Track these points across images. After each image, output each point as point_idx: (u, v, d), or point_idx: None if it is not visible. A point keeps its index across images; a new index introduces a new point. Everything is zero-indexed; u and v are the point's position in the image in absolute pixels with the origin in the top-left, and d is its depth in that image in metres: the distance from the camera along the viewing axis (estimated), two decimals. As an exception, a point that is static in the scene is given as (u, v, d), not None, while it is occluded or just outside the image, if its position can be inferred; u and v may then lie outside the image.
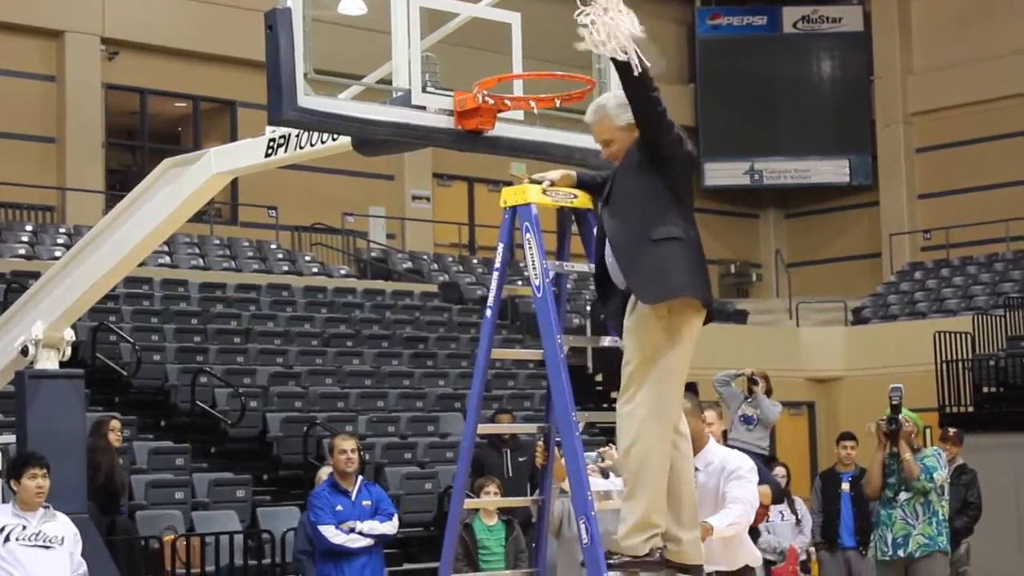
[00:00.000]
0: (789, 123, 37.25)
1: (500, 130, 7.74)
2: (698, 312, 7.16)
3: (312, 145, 8.76)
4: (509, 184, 7.79)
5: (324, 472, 13.56)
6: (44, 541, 10.15)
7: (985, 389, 26.31)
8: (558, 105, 7.81)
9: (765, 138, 37.28)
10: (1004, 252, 33.96)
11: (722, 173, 37.49)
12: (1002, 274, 32.89)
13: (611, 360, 7.80)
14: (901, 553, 12.13)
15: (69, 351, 11.35)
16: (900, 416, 12.27)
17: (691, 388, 11.24)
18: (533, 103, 7.77)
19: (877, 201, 37.27)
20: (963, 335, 27.33)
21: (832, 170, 37.63)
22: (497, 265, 7.94)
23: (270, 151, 9.05)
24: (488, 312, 7.97)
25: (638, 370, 7.12)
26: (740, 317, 33.04)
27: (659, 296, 7.02)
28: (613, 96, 7.40)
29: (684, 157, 7.20)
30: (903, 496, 12.18)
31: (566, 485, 8.25)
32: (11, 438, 11.28)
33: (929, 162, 36.70)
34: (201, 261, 25.84)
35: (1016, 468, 21.67)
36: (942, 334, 26.84)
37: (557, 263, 7.83)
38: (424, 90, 7.61)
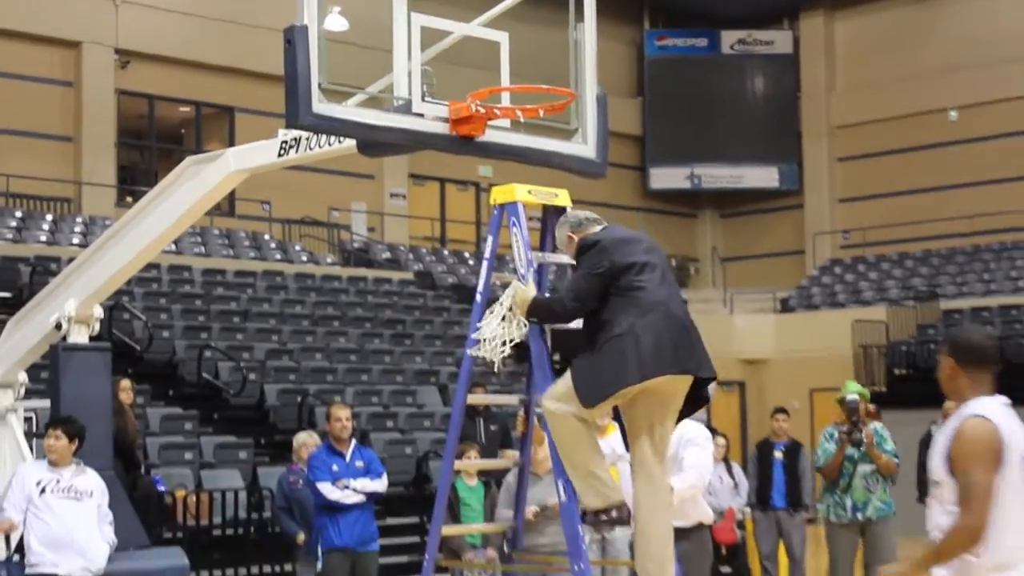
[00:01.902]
0: (726, 133, 37.33)
1: (489, 136, 7.77)
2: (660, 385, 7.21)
3: (320, 147, 8.79)
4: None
5: (300, 437, 13.66)
6: (75, 494, 10.17)
7: (897, 371, 26.60)
8: (541, 115, 7.86)
9: (704, 146, 37.44)
10: (914, 251, 34.25)
11: (665, 177, 37.71)
12: (912, 270, 33.16)
13: (569, 342, 7.90)
14: (860, 517, 12.21)
15: (98, 326, 11.36)
16: (859, 424, 12.29)
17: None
18: (519, 113, 7.81)
19: (802, 204, 37.51)
20: (878, 324, 27.62)
21: (763, 176, 37.80)
22: (487, 255, 8.04)
23: (283, 152, 9.07)
24: (478, 297, 8.04)
25: None
26: (681, 305, 33.18)
27: (591, 401, 7.21)
28: (571, 212, 7.86)
29: (607, 279, 7.32)
30: (865, 468, 12.26)
31: (545, 452, 8.38)
32: (45, 402, 11.29)
33: (849, 170, 36.94)
34: (203, 249, 25.84)
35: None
36: (859, 323, 27.13)
37: (540, 254, 7.94)
38: (423, 99, 7.65)
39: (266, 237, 28.15)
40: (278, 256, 26.85)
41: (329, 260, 28.04)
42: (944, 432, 5.65)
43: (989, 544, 5.44)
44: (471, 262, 30.31)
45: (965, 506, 5.44)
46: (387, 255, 29.30)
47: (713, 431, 16.12)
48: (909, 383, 25.25)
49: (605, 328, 7.22)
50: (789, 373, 29.33)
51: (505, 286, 7.81)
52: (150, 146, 30.09)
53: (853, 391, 12.60)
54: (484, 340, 7.67)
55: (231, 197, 28.98)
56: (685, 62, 37.77)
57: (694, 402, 7.52)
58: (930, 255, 33.69)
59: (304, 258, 27.33)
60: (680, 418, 7.60)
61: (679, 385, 7.31)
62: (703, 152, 37.55)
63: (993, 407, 5.63)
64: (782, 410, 16.03)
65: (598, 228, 7.65)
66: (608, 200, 35.71)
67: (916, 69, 35.03)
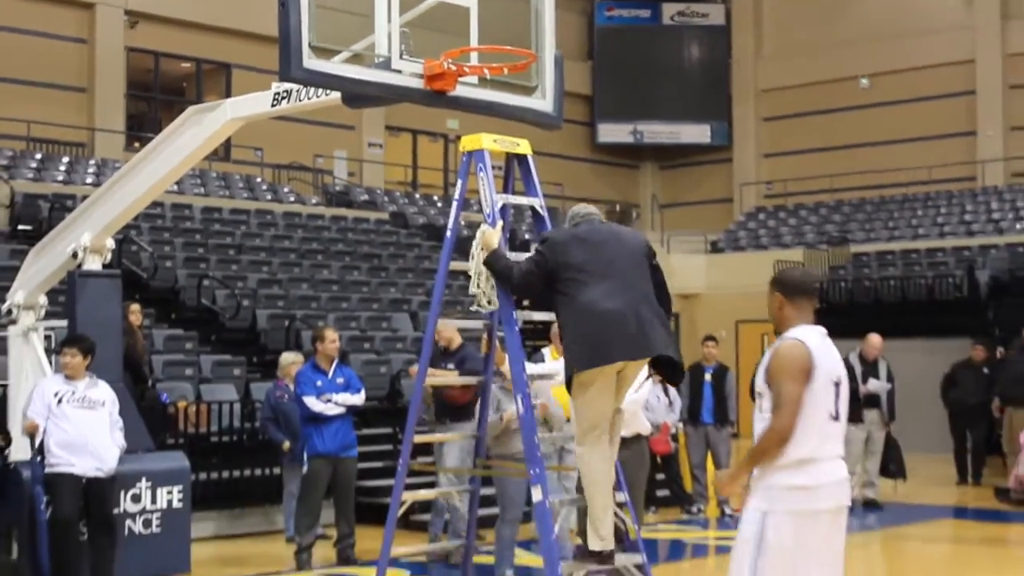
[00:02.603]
0: (665, 95, 37.36)
1: (459, 91, 7.74)
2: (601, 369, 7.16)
3: (309, 99, 8.74)
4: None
5: (286, 356, 13.79)
6: (88, 403, 10.15)
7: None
8: (505, 73, 7.85)
9: (646, 106, 37.46)
10: (828, 201, 34.36)
11: (612, 133, 37.68)
12: (826, 218, 33.27)
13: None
14: None
15: (109, 256, 11.31)
16: None
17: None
18: (486, 70, 7.79)
19: (731, 158, 37.59)
20: (795, 263, 27.69)
21: (697, 132, 37.85)
22: (456, 197, 8.01)
23: (275, 102, 9.02)
24: (448, 233, 8.04)
25: None
26: (623, 246, 33.25)
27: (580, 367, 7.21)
28: (576, 208, 7.71)
29: (542, 270, 7.34)
30: None
31: (505, 368, 8.39)
32: (62, 323, 11.25)
33: (772, 129, 37.01)
34: (203, 190, 25.66)
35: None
36: (779, 263, 27.13)
37: (503, 195, 7.92)
38: (401, 58, 7.60)
39: (258, 180, 27.98)
40: (269, 197, 26.67)
41: (314, 201, 27.88)
42: (767, 352, 5.94)
43: (794, 443, 5.68)
44: (439, 204, 30.25)
45: (776, 412, 5.71)
46: (365, 197, 29.15)
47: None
48: (822, 316, 25.14)
49: (561, 327, 7.39)
50: (718, 306, 29.43)
51: (474, 227, 7.79)
52: (155, 97, 29.87)
53: None
54: (471, 275, 7.65)
55: (227, 144, 28.85)
56: (630, 31, 37.62)
57: (671, 377, 7.64)
58: (842, 204, 33.81)
59: (292, 199, 27.14)
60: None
61: (627, 371, 7.30)
62: (645, 111, 37.55)
63: (809, 333, 5.89)
64: (711, 338, 16.11)
65: (583, 226, 7.57)
66: (561, 152, 35.79)
67: (833, 40, 35.15)
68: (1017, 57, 32.80)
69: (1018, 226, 28.90)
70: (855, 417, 14.56)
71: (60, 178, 23.67)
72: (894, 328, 19.98)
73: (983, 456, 18.45)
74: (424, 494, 10.06)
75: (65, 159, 25.30)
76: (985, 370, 18.01)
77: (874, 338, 15.83)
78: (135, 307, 14.24)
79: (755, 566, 5.67)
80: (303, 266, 21.94)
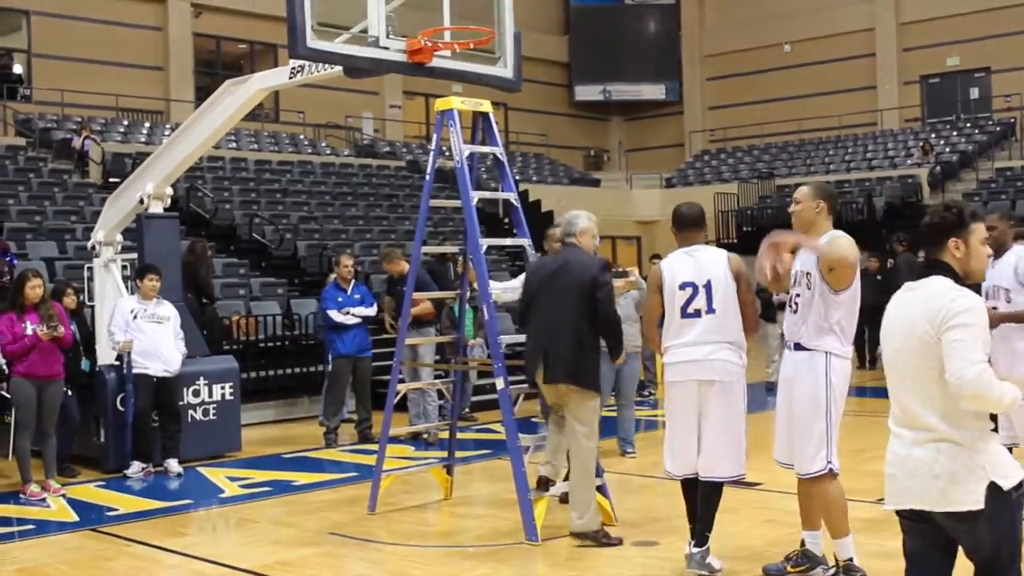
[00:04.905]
0: (628, 61, 36.93)
1: (436, 63, 7.64)
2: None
3: (318, 71, 8.61)
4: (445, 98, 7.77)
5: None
6: (157, 319, 10.15)
7: (745, 228, 26.62)
8: (471, 47, 7.75)
9: (613, 70, 37.03)
10: (759, 144, 34.14)
11: (586, 92, 37.31)
12: (757, 158, 33.09)
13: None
14: None
15: (169, 202, 11.22)
16: None
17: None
18: (456, 46, 7.68)
19: (682, 111, 37.23)
20: (732, 195, 27.60)
21: (654, 91, 37.46)
22: (432, 147, 7.94)
23: (292, 75, 8.89)
24: (428, 176, 8.00)
25: None
26: (595, 183, 33.10)
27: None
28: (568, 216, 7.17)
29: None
30: None
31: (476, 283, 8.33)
32: (133, 255, 11.20)
33: (715, 87, 36.64)
34: (256, 146, 25.52)
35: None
36: (719, 194, 27.10)
37: (469, 145, 7.83)
38: (388, 37, 7.49)
39: (301, 137, 27.76)
40: (309, 151, 26.50)
41: (345, 153, 27.69)
42: None
43: (663, 337, 6.14)
44: (446, 153, 29.91)
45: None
46: (387, 149, 28.96)
47: (623, 271, 16.19)
48: (751, 237, 25.24)
49: None
50: (670, 231, 29.32)
51: (449, 170, 7.68)
52: (218, 73, 29.38)
53: None
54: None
55: (276, 107, 28.76)
56: (599, 9, 37.06)
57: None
58: (770, 147, 33.58)
59: (328, 152, 26.98)
60: None
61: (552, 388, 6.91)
62: (613, 74, 37.11)
63: (672, 255, 6.23)
64: (657, 256, 16.00)
65: (545, 258, 7.47)
66: (544, 109, 35.57)
67: (763, 14, 34.86)
68: (908, 25, 32.48)
69: (908, 162, 28.72)
70: (770, 317, 14.59)
71: (142, 140, 23.55)
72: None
73: (877, 346, 18.43)
74: (412, 385, 10.10)
75: (146, 124, 25.17)
76: (879, 277, 17.92)
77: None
78: (207, 243, 14.18)
79: None
80: (335, 206, 21.86)
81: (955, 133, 30.17)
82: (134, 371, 9.98)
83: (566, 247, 6.98)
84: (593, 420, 6.81)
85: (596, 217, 7.21)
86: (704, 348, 5.93)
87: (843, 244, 5.56)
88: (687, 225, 6.23)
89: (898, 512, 3.82)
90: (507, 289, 8.05)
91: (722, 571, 6.04)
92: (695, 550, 5.98)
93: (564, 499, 7.24)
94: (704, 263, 6.04)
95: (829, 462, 5.62)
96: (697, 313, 5.94)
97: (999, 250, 6.79)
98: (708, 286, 5.95)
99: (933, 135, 30.17)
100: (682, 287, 6.00)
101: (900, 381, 3.80)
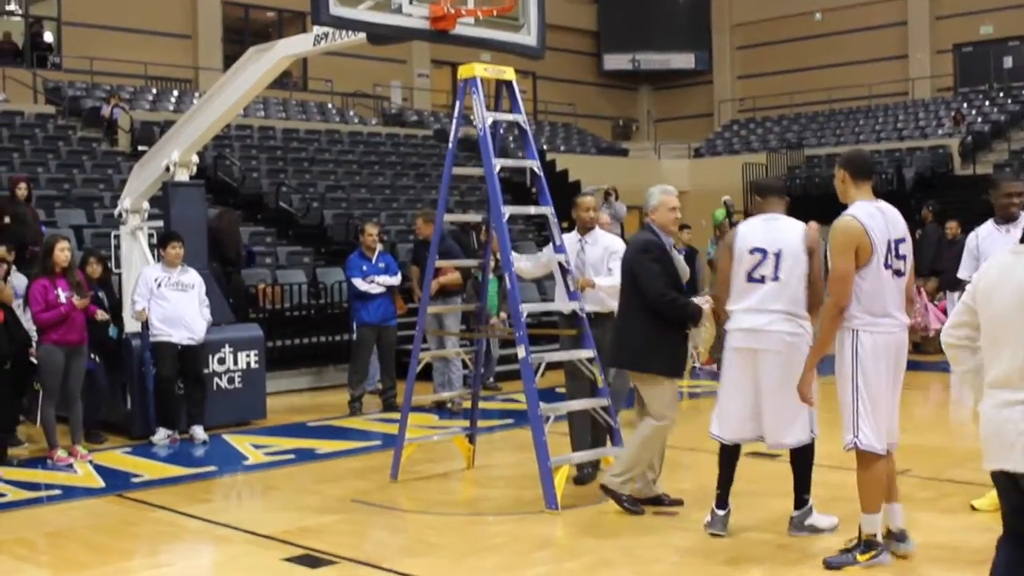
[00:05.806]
0: (658, 30, 36.58)
1: (458, 30, 7.60)
2: None
3: (342, 38, 8.56)
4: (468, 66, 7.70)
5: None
6: (181, 287, 10.18)
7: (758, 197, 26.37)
8: (494, 14, 7.70)
9: (642, 39, 36.67)
10: (788, 114, 33.86)
11: (615, 61, 37.01)
12: (786, 128, 32.83)
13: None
14: None
15: (195, 169, 11.21)
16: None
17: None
18: (480, 13, 7.63)
19: (712, 80, 36.94)
20: (760, 165, 27.40)
21: (684, 60, 37.10)
22: (455, 115, 7.88)
23: (316, 42, 8.82)
24: (451, 145, 7.94)
25: None
26: (624, 152, 32.93)
27: None
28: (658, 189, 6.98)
29: None
30: None
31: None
32: (159, 223, 11.21)
33: (745, 56, 36.32)
34: (284, 114, 25.49)
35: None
36: (748, 164, 26.87)
37: (492, 113, 7.77)
38: (410, 3, 7.44)
39: (329, 106, 27.69)
40: (337, 119, 26.44)
41: (373, 122, 27.63)
42: None
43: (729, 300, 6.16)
44: (472, 122, 29.88)
45: None
46: (415, 118, 28.86)
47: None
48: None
49: None
50: (698, 200, 28.96)
51: (472, 138, 7.62)
52: (246, 41, 29.27)
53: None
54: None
55: (304, 75, 28.72)
56: (629, -22, 36.87)
57: None
58: (799, 117, 33.30)
59: (356, 121, 26.91)
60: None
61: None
62: (642, 43, 36.74)
63: (750, 222, 6.25)
64: (685, 226, 15.89)
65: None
66: (573, 78, 35.38)
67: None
68: (941, -7, 32.13)
69: (939, 132, 28.40)
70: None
71: (171, 108, 23.51)
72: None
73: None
74: (434, 354, 10.10)
75: (175, 92, 25.13)
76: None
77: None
78: (234, 213, 14.16)
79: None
80: (362, 175, 21.78)
81: (987, 103, 29.80)
82: (159, 339, 10.02)
83: (643, 227, 6.93)
84: (665, 410, 6.63)
85: (672, 188, 6.95)
86: (762, 317, 5.97)
87: (831, 235, 5.61)
88: (767, 193, 6.30)
89: (992, 474, 3.83)
90: (529, 260, 8.01)
91: (832, 528, 6.11)
92: (795, 512, 6.12)
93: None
94: (779, 231, 6.08)
95: (856, 437, 5.53)
96: (762, 279, 5.99)
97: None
98: (779, 254, 6.00)
99: (965, 105, 29.82)
100: (752, 251, 6.04)
101: (1001, 342, 3.78)
